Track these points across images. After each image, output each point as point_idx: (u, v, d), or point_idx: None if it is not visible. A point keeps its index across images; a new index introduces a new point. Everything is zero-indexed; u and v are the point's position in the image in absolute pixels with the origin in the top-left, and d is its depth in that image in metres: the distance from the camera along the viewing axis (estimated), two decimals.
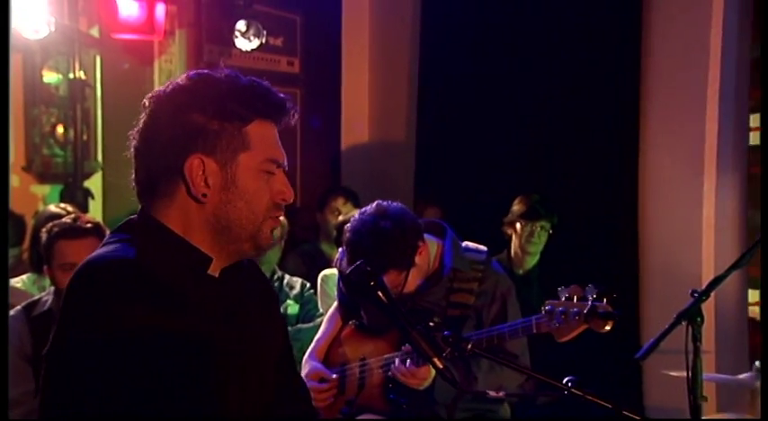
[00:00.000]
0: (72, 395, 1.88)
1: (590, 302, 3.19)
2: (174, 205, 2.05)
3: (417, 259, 3.52)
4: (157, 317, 1.89)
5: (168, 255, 2.02)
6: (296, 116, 2.14)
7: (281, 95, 2.11)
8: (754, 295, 5.23)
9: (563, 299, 3.26)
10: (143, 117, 2.06)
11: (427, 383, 3.52)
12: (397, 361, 3.56)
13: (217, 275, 2.11)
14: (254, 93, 2.07)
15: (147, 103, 2.07)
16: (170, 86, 2.07)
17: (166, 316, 1.91)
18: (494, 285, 3.74)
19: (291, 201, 2.13)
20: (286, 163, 2.13)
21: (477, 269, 3.73)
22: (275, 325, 2.32)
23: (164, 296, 1.94)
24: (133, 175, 2.09)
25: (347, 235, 3.54)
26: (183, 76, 2.11)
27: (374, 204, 3.59)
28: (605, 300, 3.19)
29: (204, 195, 2.02)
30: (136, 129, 2.06)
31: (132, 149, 2.07)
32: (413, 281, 3.59)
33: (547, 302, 3.31)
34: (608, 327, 3.19)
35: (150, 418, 1.85)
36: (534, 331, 3.36)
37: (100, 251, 2.03)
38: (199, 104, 2.02)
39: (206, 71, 2.13)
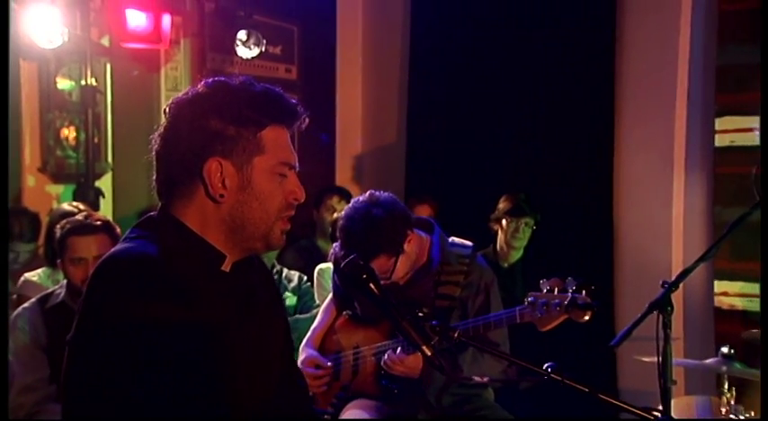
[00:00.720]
0: (96, 376, 1.89)
1: (570, 294, 3.23)
2: (193, 204, 2.06)
3: (406, 247, 3.54)
4: (174, 309, 1.90)
5: (186, 252, 2.03)
6: (306, 120, 2.14)
7: (293, 101, 2.12)
8: (720, 286, 5.30)
9: (545, 291, 3.30)
10: (164, 122, 2.08)
11: (417, 372, 3.53)
12: (388, 351, 3.57)
13: (228, 270, 2.11)
14: (268, 99, 2.08)
15: (167, 110, 2.08)
16: (189, 93, 2.09)
17: (182, 307, 1.91)
18: (478, 278, 3.74)
19: (303, 200, 2.14)
20: (297, 165, 2.13)
21: (463, 263, 3.74)
22: (279, 318, 2.33)
23: (181, 289, 1.95)
24: (154, 176, 2.11)
25: (341, 222, 3.57)
26: (201, 83, 2.11)
27: (367, 193, 3.62)
28: (584, 291, 3.23)
29: (221, 196, 2.03)
30: (157, 133, 2.08)
31: (154, 152, 2.09)
32: (401, 268, 3.60)
33: (530, 294, 3.33)
34: (587, 318, 3.24)
35: (166, 400, 1.85)
36: (518, 320, 3.38)
37: (124, 245, 2.04)
38: (216, 111, 2.03)
39: (223, 79, 2.13)
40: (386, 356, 3.56)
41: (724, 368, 3.77)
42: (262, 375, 2.15)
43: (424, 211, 5.49)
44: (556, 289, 3.27)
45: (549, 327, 3.32)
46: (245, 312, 2.12)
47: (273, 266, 4.83)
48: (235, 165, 2.03)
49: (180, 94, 2.10)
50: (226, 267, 2.10)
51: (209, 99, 2.05)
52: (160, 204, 2.11)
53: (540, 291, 3.31)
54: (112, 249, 2.06)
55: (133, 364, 1.85)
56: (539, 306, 3.28)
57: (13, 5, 5.26)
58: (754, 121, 5.14)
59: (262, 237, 2.09)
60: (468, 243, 3.84)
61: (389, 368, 3.56)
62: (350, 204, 3.62)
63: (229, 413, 1.98)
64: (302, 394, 2.41)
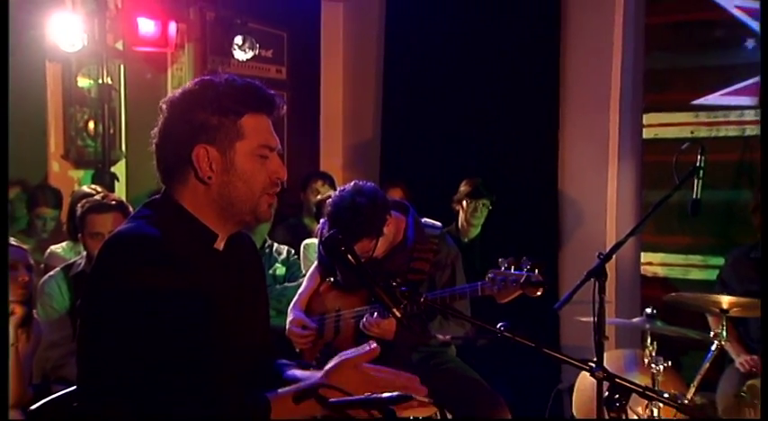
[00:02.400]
0: (105, 336, 1.90)
1: (525, 272, 3.23)
2: (187, 188, 2.05)
3: (386, 229, 3.54)
4: (170, 279, 1.90)
5: (182, 231, 2.02)
6: (284, 108, 2.13)
7: (271, 92, 2.10)
8: (645, 257, 5.33)
9: (503, 268, 3.27)
10: (161, 118, 2.07)
11: (391, 334, 3.51)
12: (366, 315, 3.56)
13: (221, 249, 2.11)
14: (247, 91, 2.06)
15: (162, 107, 2.07)
16: (179, 91, 2.09)
17: (178, 278, 1.91)
18: (446, 255, 3.73)
19: (285, 178, 2.12)
20: (279, 147, 2.12)
21: (433, 242, 3.72)
22: (264, 291, 2.31)
23: (176, 262, 1.94)
24: (155, 165, 2.10)
25: (329, 208, 3.56)
26: (191, 81, 2.12)
27: (352, 183, 3.60)
28: (537, 270, 3.23)
29: (209, 178, 2.02)
30: (156, 129, 2.08)
31: (154, 145, 2.08)
32: (381, 247, 3.59)
33: (490, 271, 3.31)
34: (538, 293, 3.26)
35: (163, 355, 1.85)
36: (479, 294, 3.37)
37: (128, 225, 2.04)
38: (201, 104, 2.02)
39: (208, 77, 2.13)
40: (364, 319, 3.55)
41: (647, 326, 3.80)
42: (248, 336, 2.13)
43: (396, 194, 5.50)
44: (512, 267, 3.26)
45: (505, 300, 3.33)
46: (234, 285, 2.11)
47: (265, 242, 4.83)
48: (219, 151, 2.02)
49: (173, 93, 2.10)
50: (219, 245, 2.10)
51: (196, 95, 2.05)
52: (162, 188, 2.11)
53: (499, 268, 3.28)
54: (119, 227, 2.07)
55: (135, 326, 1.86)
56: (498, 282, 3.27)
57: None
58: (676, 117, 5.21)
59: (250, 212, 2.07)
60: (438, 224, 3.84)
61: (367, 330, 3.54)
62: (336, 192, 3.61)
63: (218, 367, 1.96)
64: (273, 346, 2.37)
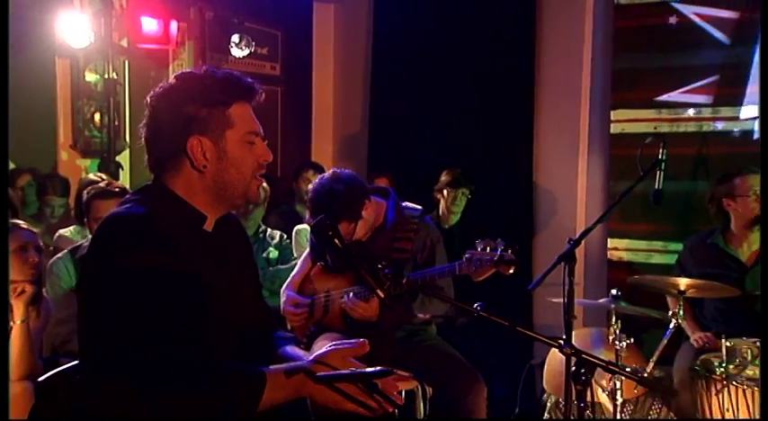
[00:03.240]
0: (102, 311, 1.89)
1: (499, 252, 3.24)
2: (181, 176, 2.03)
3: (364, 213, 3.55)
4: (160, 257, 1.88)
5: (172, 213, 2.01)
6: (263, 95, 2.11)
7: (250, 80, 2.09)
8: (611, 242, 5.34)
9: (479, 249, 3.29)
10: (147, 113, 2.05)
11: (374, 315, 3.51)
12: (345, 297, 3.57)
13: (210, 230, 2.10)
14: (230, 82, 2.05)
15: (148, 102, 2.05)
16: (163, 87, 2.06)
17: (167, 255, 1.89)
18: (426, 235, 3.74)
19: (270, 160, 2.12)
20: (262, 132, 2.11)
21: (413, 222, 3.73)
22: (250, 267, 2.30)
23: (165, 241, 1.92)
24: (146, 157, 2.09)
25: (309, 194, 3.58)
26: (172, 77, 2.09)
27: (331, 171, 3.64)
28: (510, 251, 3.25)
29: (205, 166, 2.01)
30: (142, 123, 2.06)
31: (143, 139, 2.07)
32: (361, 229, 3.60)
33: (467, 251, 3.33)
34: (511, 271, 3.27)
35: (157, 326, 1.83)
36: (457, 272, 3.38)
37: (120, 207, 2.02)
38: (189, 98, 2.00)
39: (189, 71, 2.12)
40: (344, 300, 3.56)
41: (612, 306, 3.82)
42: (237, 310, 2.11)
43: (382, 182, 5.49)
44: (488, 248, 3.27)
45: (481, 278, 3.35)
46: (222, 262, 2.09)
47: (260, 227, 4.83)
48: (211, 140, 2.01)
49: (156, 89, 2.06)
50: (208, 227, 2.09)
51: (181, 89, 2.03)
52: (153, 177, 2.09)
53: (476, 249, 3.30)
54: (113, 209, 2.05)
55: (128, 300, 1.84)
56: (474, 261, 3.28)
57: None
58: (641, 114, 5.23)
59: (241, 195, 2.08)
60: (418, 207, 3.85)
61: (349, 311, 3.56)
62: (317, 180, 3.62)
63: (211, 337, 1.95)
64: (268, 323, 2.36)
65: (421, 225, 3.76)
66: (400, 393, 2.00)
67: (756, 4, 4.86)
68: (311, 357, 2.00)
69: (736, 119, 4.97)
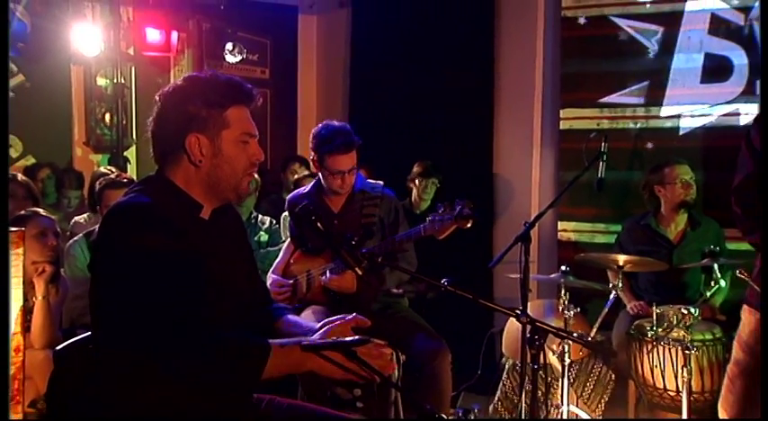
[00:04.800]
0: (110, 287, 1.88)
1: (458, 208, 3.23)
2: (180, 169, 2.01)
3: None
4: (161, 239, 1.85)
5: (172, 201, 1.98)
6: (261, 99, 2.08)
7: (249, 86, 2.06)
8: (561, 225, 5.32)
9: (440, 211, 3.29)
10: (155, 109, 2.03)
11: (350, 287, 3.50)
12: (322, 274, 3.55)
13: (207, 218, 2.06)
14: (229, 87, 2.02)
15: (157, 99, 2.03)
16: (172, 86, 2.04)
17: (168, 238, 1.86)
18: (389, 202, 3.69)
19: (262, 160, 2.09)
20: (257, 134, 2.07)
21: (377, 192, 3.68)
22: (245, 252, 2.26)
23: (166, 227, 1.89)
24: (152, 149, 2.07)
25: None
26: (181, 78, 2.08)
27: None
28: (467, 208, 3.23)
29: (200, 161, 1.98)
30: (151, 117, 2.04)
31: (150, 131, 2.05)
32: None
33: (430, 215, 3.33)
34: (469, 225, 3.24)
35: (158, 301, 1.81)
36: (422, 234, 3.34)
37: (125, 197, 2.00)
38: (192, 98, 1.97)
39: (196, 73, 2.09)
40: (323, 278, 3.54)
41: (562, 280, 3.86)
42: (232, 288, 2.06)
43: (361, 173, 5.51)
44: (448, 208, 3.26)
45: (444, 236, 3.30)
46: (218, 246, 2.05)
47: (251, 213, 4.80)
48: (208, 138, 1.98)
49: (166, 88, 2.05)
50: (205, 215, 2.06)
51: (186, 90, 2.00)
52: (157, 168, 2.08)
53: (437, 211, 3.30)
54: (119, 198, 2.03)
55: (133, 279, 1.83)
56: (436, 222, 3.26)
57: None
58: (585, 112, 5.22)
59: (233, 190, 2.05)
60: (380, 182, 3.78)
61: (328, 286, 3.55)
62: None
63: (211, 311, 1.91)
64: (267, 300, 2.33)
65: (384, 194, 3.71)
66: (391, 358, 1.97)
67: (677, 19, 4.91)
68: (315, 335, 1.98)
69: (667, 117, 4.99)
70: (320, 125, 3.64)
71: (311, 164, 3.62)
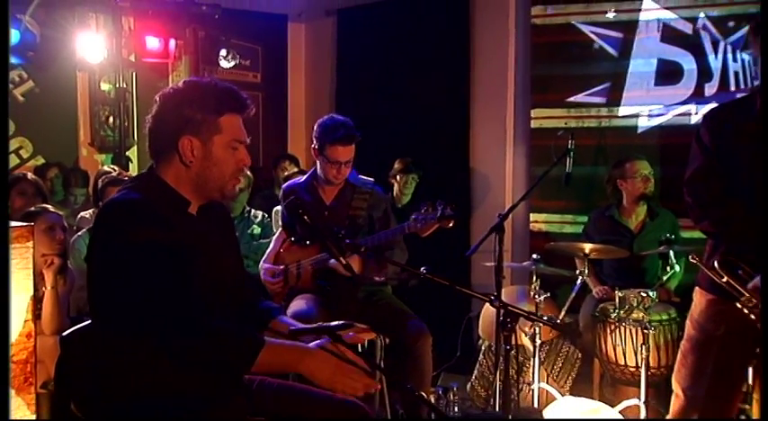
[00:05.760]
0: (107, 277, 1.89)
1: (440, 210, 3.24)
2: (172, 167, 1.99)
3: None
4: (151, 232, 1.84)
5: (161, 197, 1.97)
6: (254, 109, 2.05)
7: (245, 95, 2.03)
8: (533, 216, 5.31)
9: (423, 210, 3.29)
10: (154, 108, 2.00)
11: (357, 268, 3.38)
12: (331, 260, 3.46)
13: (195, 213, 2.05)
14: (225, 94, 2.00)
15: (157, 99, 2.01)
16: (172, 88, 2.02)
17: (157, 232, 1.85)
18: (378, 199, 3.67)
19: (249, 165, 2.08)
20: (247, 140, 2.04)
21: (367, 188, 3.67)
22: (231, 245, 2.22)
23: (156, 221, 1.88)
24: (147, 145, 2.06)
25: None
26: (182, 81, 2.06)
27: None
28: (449, 208, 3.24)
29: (191, 162, 1.97)
30: (150, 115, 2.01)
31: (147, 129, 2.03)
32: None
33: (413, 213, 3.33)
34: (451, 224, 3.24)
35: (150, 289, 1.80)
36: (407, 231, 3.35)
37: (118, 193, 1.98)
38: (188, 102, 1.95)
39: (196, 79, 2.07)
40: (330, 263, 3.44)
41: (533, 267, 3.88)
42: (216, 281, 2.03)
43: None
44: (430, 208, 3.27)
45: (427, 233, 3.30)
46: (205, 240, 2.03)
47: (245, 208, 4.79)
48: (201, 141, 1.96)
49: (166, 90, 2.02)
50: (192, 210, 2.04)
51: (185, 93, 1.98)
52: (149, 165, 2.06)
53: (420, 210, 3.30)
54: (113, 194, 2.02)
55: (128, 268, 1.82)
56: (419, 220, 3.27)
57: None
58: (554, 112, 5.22)
59: (219, 190, 2.03)
60: (371, 179, 3.78)
61: (323, 272, 3.51)
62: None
63: (192, 299, 1.87)
64: (251, 288, 2.31)
65: (374, 191, 3.69)
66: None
67: (634, 27, 4.94)
68: (314, 344, 1.94)
69: (628, 116, 5.02)
70: (326, 117, 3.64)
71: (312, 152, 3.61)
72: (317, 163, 3.63)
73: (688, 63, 4.85)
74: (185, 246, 1.91)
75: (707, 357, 2.61)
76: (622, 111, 5.03)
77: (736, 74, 4.73)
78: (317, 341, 1.93)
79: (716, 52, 4.78)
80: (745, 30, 4.51)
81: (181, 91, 2.00)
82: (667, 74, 4.90)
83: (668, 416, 2.78)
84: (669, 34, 4.88)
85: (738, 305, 2.39)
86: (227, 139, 2.00)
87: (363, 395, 1.89)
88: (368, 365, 1.92)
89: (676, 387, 2.73)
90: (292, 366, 1.88)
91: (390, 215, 3.71)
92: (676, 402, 2.73)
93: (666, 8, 4.88)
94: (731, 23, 4.70)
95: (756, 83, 2.48)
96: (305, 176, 3.81)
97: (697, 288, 2.73)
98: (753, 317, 2.36)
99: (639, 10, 4.94)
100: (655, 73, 4.94)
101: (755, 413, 2.69)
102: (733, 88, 4.73)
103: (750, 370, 2.72)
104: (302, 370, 1.86)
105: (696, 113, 4.82)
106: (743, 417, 3.09)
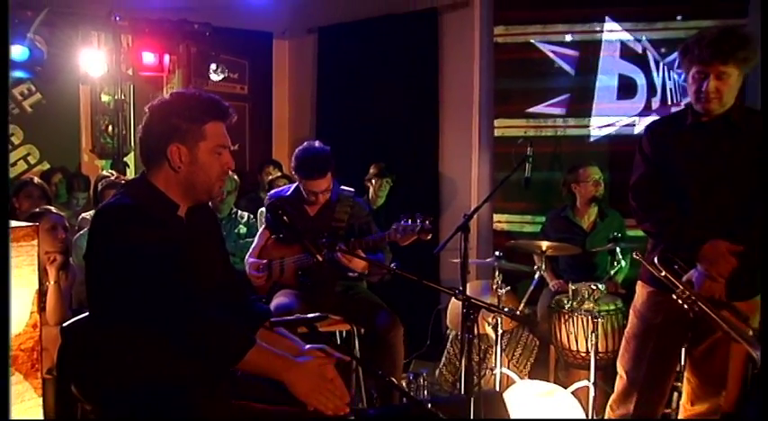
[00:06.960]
0: (104, 276, 1.90)
1: (419, 223, 3.26)
2: (161, 173, 1.99)
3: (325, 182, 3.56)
4: (142, 235, 1.84)
5: (152, 201, 1.96)
6: (236, 117, 2.04)
7: (227, 104, 2.02)
8: (496, 217, 5.30)
9: (402, 222, 3.30)
10: (144, 119, 2.00)
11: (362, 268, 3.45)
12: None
13: (183, 216, 2.04)
14: (208, 104, 1.99)
15: (147, 111, 2.00)
16: (160, 100, 2.01)
17: (147, 233, 1.84)
18: (360, 211, 3.68)
19: (233, 168, 2.07)
20: (231, 145, 2.03)
21: (350, 200, 3.67)
22: (218, 245, 2.21)
23: (146, 223, 1.87)
24: (139, 153, 2.06)
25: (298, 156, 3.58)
26: (168, 93, 2.04)
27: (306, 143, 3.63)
28: (427, 222, 3.27)
29: (179, 167, 1.97)
30: (141, 125, 2.01)
31: (139, 138, 2.03)
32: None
33: (394, 224, 3.31)
34: (428, 237, 3.29)
35: (142, 287, 1.80)
36: (387, 239, 3.36)
37: (111, 198, 1.98)
38: (175, 112, 1.95)
39: (182, 90, 2.08)
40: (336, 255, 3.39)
41: (496, 264, 3.90)
42: (206, 279, 2.03)
43: None
44: (410, 220, 3.28)
45: (405, 243, 3.33)
46: (193, 241, 2.02)
47: (232, 209, 4.76)
48: (187, 148, 1.95)
49: (155, 101, 2.01)
50: (181, 213, 2.03)
51: (172, 104, 1.98)
52: (141, 171, 2.06)
53: (400, 222, 3.31)
54: (107, 199, 2.01)
55: (121, 268, 1.82)
56: (399, 230, 3.28)
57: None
58: (515, 122, 5.22)
59: (206, 192, 2.03)
60: (352, 189, 3.78)
61: (305, 269, 3.51)
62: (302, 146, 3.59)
63: (183, 295, 1.85)
64: (240, 286, 2.26)
65: (355, 203, 3.69)
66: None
67: (597, 46, 5.01)
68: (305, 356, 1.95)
69: (581, 126, 5.07)
70: (302, 147, 3.56)
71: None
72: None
73: (641, 79, 4.94)
74: (176, 245, 1.91)
75: (647, 343, 2.69)
76: (584, 122, 5.08)
77: (671, 90, 4.86)
78: (305, 357, 1.93)
79: (658, 70, 4.89)
80: (676, 53, 4.62)
81: (168, 102, 2.00)
82: (625, 88, 4.97)
83: (613, 395, 2.86)
84: (626, 52, 4.97)
85: (674, 296, 2.46)
86: (211, 145, 1.99)
87: (332, 415, 1.85)
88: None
89: (620, 369, 2.81)
90: (276, 373, 1.86)
91: (371, 223, 3.69)
92: (620, 383, 2.81)
93: (624, 30, 4.96)
94: (663, 49, 4.86)
95: (685, 99, 2.57)
96: (291, 188, 3.76)
97: (639, 281, 2.81)
98: (686, 307, 2.44)
99: (594, 31, 5.02)
100: (616, 87, 5.00)
101: (686, 390, 2.77)
102: (670, 102, 4.86)
103: (683, 351, 2.80)
104: (284, 378, 1.85)
105: (639, 124, 4.91)
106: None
